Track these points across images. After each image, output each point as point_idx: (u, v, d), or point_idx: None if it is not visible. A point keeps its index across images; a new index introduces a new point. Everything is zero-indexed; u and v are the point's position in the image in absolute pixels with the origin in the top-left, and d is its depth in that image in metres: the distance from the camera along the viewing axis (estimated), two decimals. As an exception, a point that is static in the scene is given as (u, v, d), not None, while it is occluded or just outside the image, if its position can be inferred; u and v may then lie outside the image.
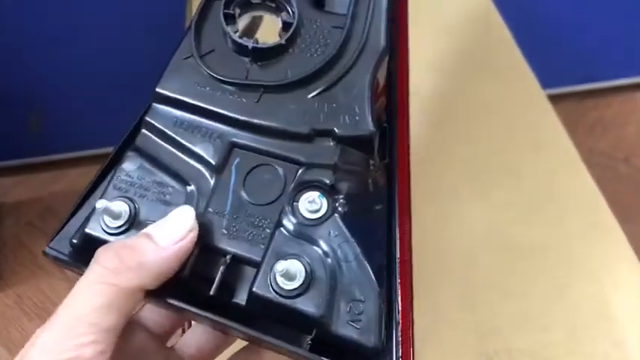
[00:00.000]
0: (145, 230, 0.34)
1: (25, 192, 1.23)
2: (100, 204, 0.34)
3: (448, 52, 0.76)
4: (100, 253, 0.33)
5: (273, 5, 0.40)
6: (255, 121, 0.37)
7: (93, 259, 0.33)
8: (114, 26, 1.09)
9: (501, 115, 0.70)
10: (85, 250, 0.35)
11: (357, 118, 0.36)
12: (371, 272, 0.33)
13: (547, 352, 0.53)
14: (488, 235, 0.60)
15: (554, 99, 1.15)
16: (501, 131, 0.68)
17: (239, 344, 0.40)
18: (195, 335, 0.41)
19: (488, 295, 0.56)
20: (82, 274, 0.33)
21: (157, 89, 0.38)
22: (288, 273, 0.32)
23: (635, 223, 1.03)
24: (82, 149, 1.22)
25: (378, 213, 0.37)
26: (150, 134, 0.38)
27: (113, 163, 0.38)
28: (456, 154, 0.67)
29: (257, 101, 0.37)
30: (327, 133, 0.36)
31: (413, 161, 0.41)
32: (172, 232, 0.33)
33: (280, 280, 0.32)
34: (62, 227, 0.38)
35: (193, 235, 0.33)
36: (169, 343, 0.41)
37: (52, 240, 0.37)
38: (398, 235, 0.36)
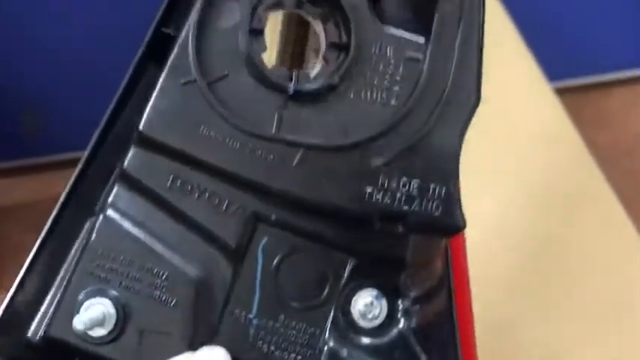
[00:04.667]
0: None
1: (23, 194, 1.21)
2: (81, 322, 0.25)
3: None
4: None
5: (320, 10, 0.27)
6: (292, 192, 0.26)
7: None
8: (111, 24, 1.08)
9: (507, 109, 0.69)
10: (47, 355, 0.26)
11: (440, 202, 0.27)
12: None
13: (561, 345, 0.52)
14: (498, 230, 0.59)
15: (555, 92, 1.14)
16: (508, 125, 0.67)
17: None
18: None
19: (501, 290, 0.55)
20: None
21: (142, 128, 0.26)
22: None
23: (638, 217, 1.02)
24: (80, 150, 1.21)
25: (445, 316, 0.29)
26: (130, 193, 0.27)
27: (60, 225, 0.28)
28: (463, 149, 0.66)
29: (295, 164, 0.26)
30: (396, 218, 0.26)
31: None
32: None
33: None
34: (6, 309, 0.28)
35: None
36: None
37: None
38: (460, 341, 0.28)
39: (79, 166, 0.30)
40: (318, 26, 0.28)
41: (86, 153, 0.30)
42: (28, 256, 0.31)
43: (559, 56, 1.16)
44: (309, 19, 0.28)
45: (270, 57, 0.31)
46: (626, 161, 1.12)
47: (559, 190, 0.62)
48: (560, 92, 1.24)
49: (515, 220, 0.60)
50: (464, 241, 0.32)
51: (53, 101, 1.17)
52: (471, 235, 0.63)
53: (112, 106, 0.29)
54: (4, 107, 1.14)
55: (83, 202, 0.29)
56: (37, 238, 0.30)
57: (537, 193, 0.62)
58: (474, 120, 0.69)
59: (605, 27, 1.18)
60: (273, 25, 0.31)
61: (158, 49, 0.28)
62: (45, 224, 0.30)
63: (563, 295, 0.55)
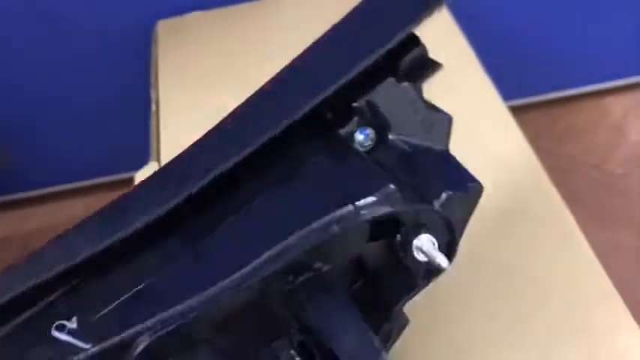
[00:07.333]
0: None
1: (-1, 231, 1.21)
2: None
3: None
4: None
5: None
6: None
7: None
8: (80, 60, 1.09)
9: (463, 131, 0.69)
10: None
11: None
12: None
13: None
14: (458, 254, 0.59)
15: (523, 109, 1.15)
16: (464, 147, 0.68)
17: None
18: None
19: (461, 314, 0.55)
20: None
21: None
22: None
23: (608, 228, 1.03)
24: (53, 185, 1.21)
25: None
26: None
27: None
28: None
29: None
30: None
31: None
32: None
33: None
34: None
35: None
36: None
37: None
38: None
39: None
40: None
41: None
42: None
43: (529, 72, 1.17)
44: None
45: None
46: (595, 173, 1.13)
47: (516, 212, 0.62)
48: (531, 107, 1.26)
49: (474, 244, 0.60)
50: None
51: (24, 139, 1.17)
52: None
53: None
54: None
55: None
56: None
57: (495, 215, 0.62)
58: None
59: (577, 42, 1.19)
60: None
61: None
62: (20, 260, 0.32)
63: (523, 319, 0.55)
